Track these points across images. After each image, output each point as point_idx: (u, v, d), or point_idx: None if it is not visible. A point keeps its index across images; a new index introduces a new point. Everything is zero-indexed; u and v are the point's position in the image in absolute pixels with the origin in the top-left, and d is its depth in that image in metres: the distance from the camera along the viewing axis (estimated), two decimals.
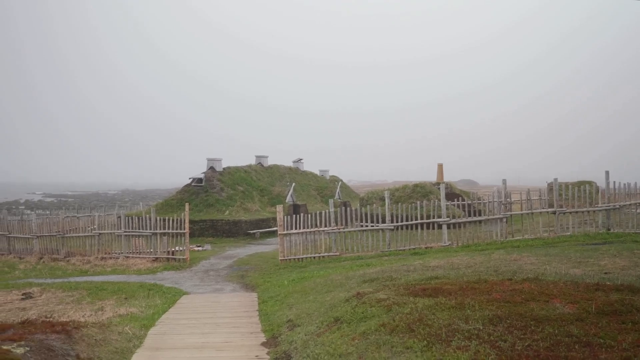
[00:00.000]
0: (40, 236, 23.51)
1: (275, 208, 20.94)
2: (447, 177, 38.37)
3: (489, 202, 20.03)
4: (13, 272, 19.97)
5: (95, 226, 22.72)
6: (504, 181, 18.58)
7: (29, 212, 39.38)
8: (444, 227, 17.89)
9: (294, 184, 40.40)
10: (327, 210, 18.51)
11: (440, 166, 37.14)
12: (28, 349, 6.84)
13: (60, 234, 23.02)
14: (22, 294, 14.59)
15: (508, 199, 18.61)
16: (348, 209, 18.91)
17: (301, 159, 49.77)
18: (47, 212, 34.39)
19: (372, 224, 18.51)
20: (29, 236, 23.92)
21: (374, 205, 20.63)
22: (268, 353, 7.94)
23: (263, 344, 8.47)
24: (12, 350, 6.69)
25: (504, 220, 17.91)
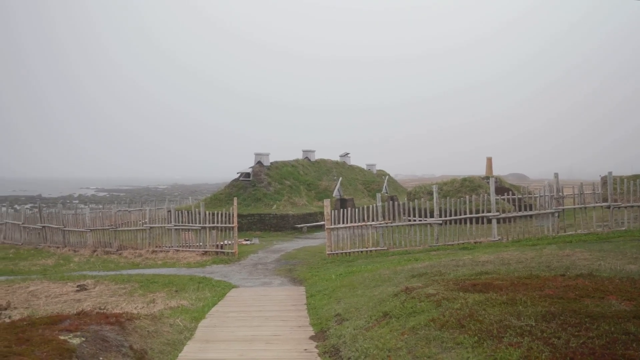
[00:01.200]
0: (93, 230, 24.07)
1: (323, 202, 20.99)
2: (496, 171, 37.81)
3: (540, 196, 19.61)
4: (68, 264, 20.51)
5: (146, 220, 23.15)
6: (556, 175, 18.18)
7: (82, 206, 40.49)
8: (494, 221, 17.62)
9: (340, 178, 40.38)
10: (374, 205, 18.44)
11: (489, 160, 36.60)
12: (84, 339, 7.02)
13: (112, 228, 23.54)
14: (77, 286, 14.97)
15: (560, 193, 18.19)
16: (395, 203, 18.78)
17: (348, 153, 49.69)
18: (100, 207, 35.24)
19: (420, 219, 18.36)
20: (83, 230, 24.51)
21: (422, 199, 20.44)
22: (317, 347, 7.96)
23: (311, 338, 8.49)
24: (68, 340, 6.87)
25: (556, 214, 17.54)
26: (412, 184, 53.04)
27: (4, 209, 32.87)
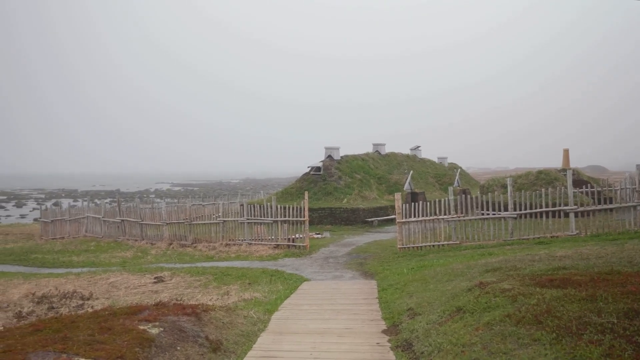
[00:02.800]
0: (169, 223, 24.74)
1: (393, 196, 20.86)
2: (574, 163, 36.59)
3: (621, 189, 18.85)
4: (146, 257, 21.19)
5: (219, 214, 23.61)
6: (638, 167, 17.43)
7: (158, 200, 41.60)
8: (571, 215, 17.06)
9: (411, 172, 40.01)
10: (446, 198, 18.19)
11: (566, 152, 35.45)
12: (162, 329, 7.24)
13: (187, 222, 24.12)
14: (154, 278, 15.45)
15: None
16: (468, 196, 18.46)
17: (419, 147, 49.19)
18: (175, 201, 36.13)
19: (493, 212, 17.98)
20: (160, 223, 25.22)
21: (495, 192, 20.01)
22: (389, 340, 7.94)
23: (383, 332, 8.47)
24: (148, 330, 7.10)
25: (638, 208, 16.82)
26: (485, 177, 51.97)
27: (85, 203, 34.21)
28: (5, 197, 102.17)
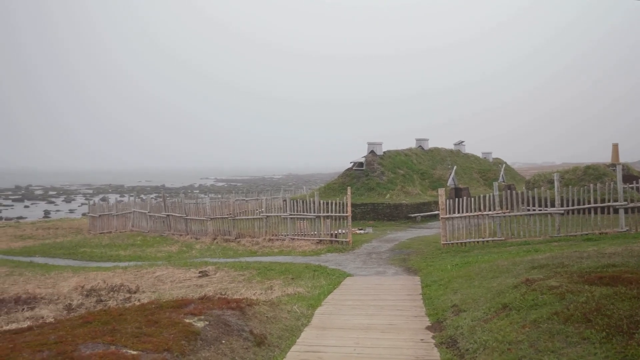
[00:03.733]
0: (213, 218, 25.02)
1: (437, 191, 20.67)
2: (623, 158, 35.66)
3: None
4: (190, 251, 21.48)
5: (262, 209, 23.78)
6: None
7: (202, 195, 42.12)
8: (621, 211, 16.63)
9: (455, 167, 39.62)
10: (491, 194, 17.93)
11: (615, 146, 34.58)
12: (207, 323, 7.33)
13: (231, 217, 24.35)
14: (199, 272, 15.65)
15: None
16: (513, 192, 18.16)
17: (462, 142, 48.68)
18: (219, 196, 36.56)
19: (539, 208, 17.65)
20: (204, 218, 25.52)
21: (542, 188, 19.66)
22: (433, 337, 7.87)
23: (427, 328, 8.41)
24: (193, 323, 7.20)
25: None
26: (531, 172, 51.10)
27: (131, 198, 34.86)
28: (55, 193, 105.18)
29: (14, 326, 9.51)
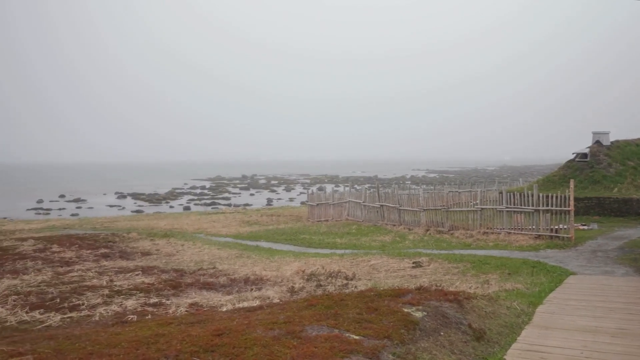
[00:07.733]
0: (426, 209, 25.01)
1: None
2: None
3: None
4: (403, 241, 21.68)
5: (477, 201, 23.26)
6: None
7: (414, 186, 42.27)
8: None
9: None
10: None
11: None
12: (425, 313, 7.36)
13: (444, 208, 24.16)
14: (412, 263, 15.76)
15: None
16: None
17: None
18: (432, 187, 36.42)
19: None
20: (417, 209, 25.61)
21: None
22: None
23: None
24: (412, 313, 7.27)
25: None
26: None
27: (346, 188, 36.07)
28: (276, 182, 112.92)
29: (245, 304, 10.36)
